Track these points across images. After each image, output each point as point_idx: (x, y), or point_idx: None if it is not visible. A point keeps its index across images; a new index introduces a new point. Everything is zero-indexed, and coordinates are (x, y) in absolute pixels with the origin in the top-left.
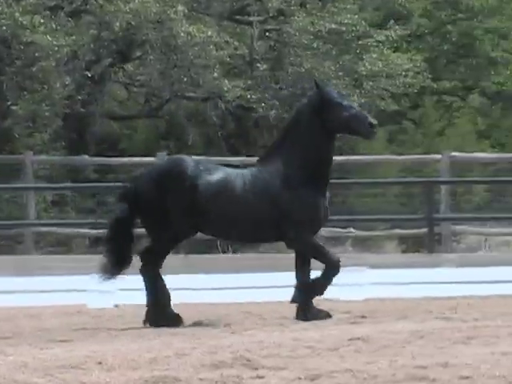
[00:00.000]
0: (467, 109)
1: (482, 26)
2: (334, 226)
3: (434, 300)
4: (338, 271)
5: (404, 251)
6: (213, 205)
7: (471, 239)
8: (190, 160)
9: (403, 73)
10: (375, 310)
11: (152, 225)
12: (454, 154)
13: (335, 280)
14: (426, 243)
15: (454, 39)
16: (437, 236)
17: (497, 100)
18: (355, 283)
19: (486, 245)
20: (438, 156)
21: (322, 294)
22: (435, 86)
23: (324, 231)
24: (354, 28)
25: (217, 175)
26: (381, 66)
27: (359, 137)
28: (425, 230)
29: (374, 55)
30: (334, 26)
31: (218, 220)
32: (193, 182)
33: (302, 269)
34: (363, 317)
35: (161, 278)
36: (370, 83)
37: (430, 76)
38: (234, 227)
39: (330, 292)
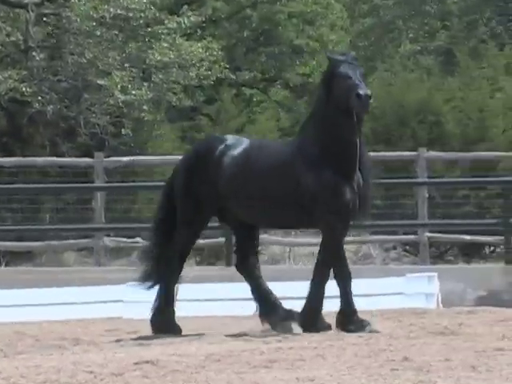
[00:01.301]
0: (269, 103)
1: (286, 10)
2: (117, 236)
3: (232, 318)
4: (348, 282)
5: (198, 263)
6: (234, 185)
7: (274, 250)
8: (227, 138)
9: (197, 63)
10: None
11: (184, 214)
12: None
13: (118, 296)
14: (224, 254)
15: (254, 25)
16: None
17: (302, 93)
18: (143, 300)
19: (290, 256)
20: None
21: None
22: (233, 77)
23: (108, 241)
24: (142, 14)
25: (240, 153)
26: (172, 56)
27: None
28: (222, 239)
29: (165, 44)
30: (119, 11)
31: (241, 203)
32: (218, 162)
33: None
34: (151, 338)
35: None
36: (160, 75)
37: (227, 66)
38: (257, 211)
39: (113, 309)
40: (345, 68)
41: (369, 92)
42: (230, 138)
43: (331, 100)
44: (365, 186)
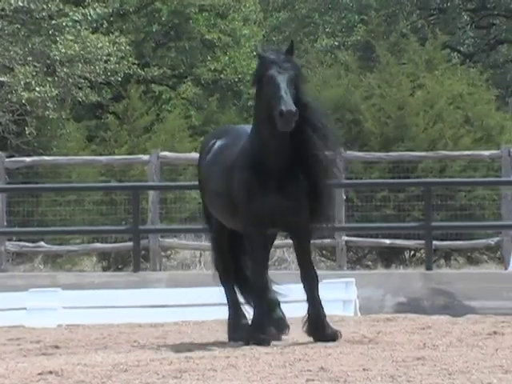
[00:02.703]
0: (179, 100)
1: (196, 3)
2: (20, 240)
3: (140, 327)
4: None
5: (105, 269)
6: (206, 181)
7: (184, 255)
8: (227, 130)
9: (104, 58)
10: (70, 338)
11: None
12: (163, 153)
13: (21, 303)
14: (131, 259)
15: (163, 19)
16: (144, 251)
17: (213, 90)
18: (46, 307)
19: (201, 261)
20: (146, 156)
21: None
22: (142, 73)
23: (10, 245)
24: (45, 6)
25: (215, 149)
26: (78, 49)
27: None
28: (129, 243)
29: (70, 37)
30: (21, 3)
31: (210, 200)
32: (205, 157)
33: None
34: (56, 347)
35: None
36: (65, 70)
37: (135, 62)
38: (218, 211)
39: (15, 317)
40: (273, 71)
41: (293, 108)
42: (228, 130)
43: (258, 103)
44: (316, 190)
